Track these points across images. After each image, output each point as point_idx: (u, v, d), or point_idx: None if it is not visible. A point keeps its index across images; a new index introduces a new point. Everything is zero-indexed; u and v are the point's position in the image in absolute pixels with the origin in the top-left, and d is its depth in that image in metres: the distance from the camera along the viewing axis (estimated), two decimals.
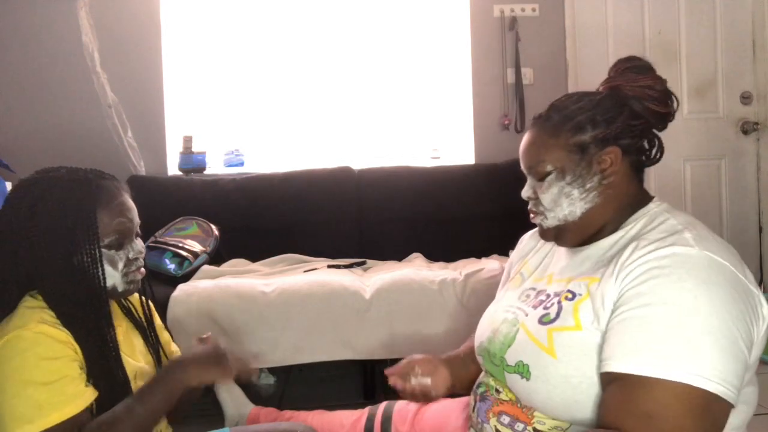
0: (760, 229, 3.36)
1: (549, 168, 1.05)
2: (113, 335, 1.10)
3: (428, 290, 2.19)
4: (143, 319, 1.27)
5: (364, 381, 2.40)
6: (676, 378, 0.82)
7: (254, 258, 2.66)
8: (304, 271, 2.46)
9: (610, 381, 0.88)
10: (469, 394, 1.19)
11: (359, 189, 2.94)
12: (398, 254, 2.76)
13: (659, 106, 1.06)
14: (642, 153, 1.09)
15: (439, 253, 2.73)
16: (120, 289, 1.15)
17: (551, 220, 1.08)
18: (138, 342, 1.24)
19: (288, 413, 1.52)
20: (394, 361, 2.47)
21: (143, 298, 1.28)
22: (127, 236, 1.14)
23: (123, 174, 2.83)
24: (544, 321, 1.00)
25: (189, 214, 2.69)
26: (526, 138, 1.11)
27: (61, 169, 1.13)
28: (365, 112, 3.31)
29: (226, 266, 2.56)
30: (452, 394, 1.26)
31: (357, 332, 2.13)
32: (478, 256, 2.60)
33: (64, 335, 1.03)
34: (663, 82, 1.08)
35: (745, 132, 3.33)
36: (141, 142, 3.04)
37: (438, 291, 2.18)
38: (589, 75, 3.22)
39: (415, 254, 2.75)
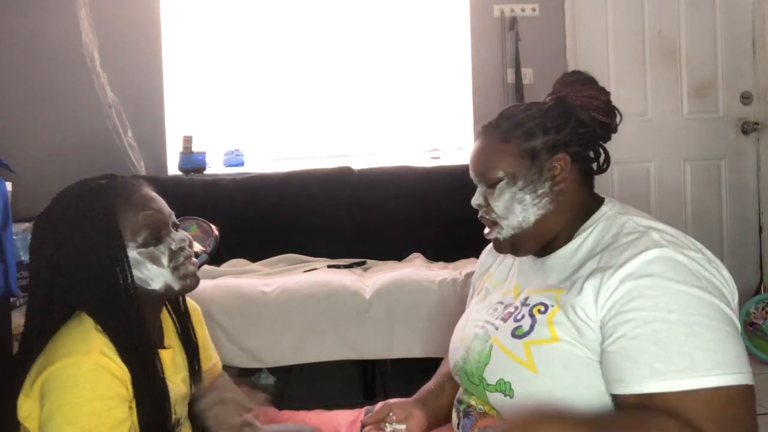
0: (760, 229, 3.35)
1: (500, 174, 1.04)
2: (159, 366, 1.06)
3: (428, 290, 2.19)
4: (193, 336, 1.21)
5: (364, 381, 2.40)
6: (715, 384, 0.83)
7: (254, 258, 2.66)
8: (304, 271, 2.47)
9: (641, 402, 0.86)
10: (447, 423, 1.18)
11: (359, 189, 2.94)
12: (398, 254, 2.76)
13: (603, 116, 1.07)
14: (589, 161, 1.10)
15: (439, 253, 2.73)
16: (176, 287, 1.07)
17: (506, 230, 1.06)
18: (184, 359, 1.19)
19: (286, 413, 1.52)
20: (393, 362, 2.48)
21: (184, 309, 1.22)
22: (161, 228, 1.07)
23: (123, 174, 2.83)
24: (517, 334, 0.99)
25: (189, 214, 2.68)
26: (475, 146, 1.10)
27: (72, 187, 1.08)
28: (365, 112, 3.31)
29: (226, 266, 2.56)
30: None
31: (357, 332, 2.13)
32: (478, 256, 2.59)
33: (122, 371, 0.99)
34: (606, 93, 1.09)
35: (745, 132, 3.33)
36: (141, 142, 3.04)
37: (438, 291, 2.18)
38: None
39: (415, 254, 2.75)
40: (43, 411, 0.96)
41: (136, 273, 1.04)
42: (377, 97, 3.30)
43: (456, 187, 2.92)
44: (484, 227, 1.12)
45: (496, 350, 1.02)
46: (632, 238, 0.95)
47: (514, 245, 1.07)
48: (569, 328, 0.93)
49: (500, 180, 1.04)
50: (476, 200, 1.09)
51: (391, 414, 1.17)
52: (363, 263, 2.67)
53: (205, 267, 2.46)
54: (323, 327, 2.12)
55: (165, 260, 1.06)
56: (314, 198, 2.89)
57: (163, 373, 1.06)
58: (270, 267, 2.59)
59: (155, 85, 3.10)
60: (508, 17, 3.20)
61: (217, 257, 2.60)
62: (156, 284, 1.06)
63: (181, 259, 1.08)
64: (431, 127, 3.33)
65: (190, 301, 1.26)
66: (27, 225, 2.40)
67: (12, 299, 1.81)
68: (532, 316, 0.99)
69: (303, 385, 2.60)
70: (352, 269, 2.54)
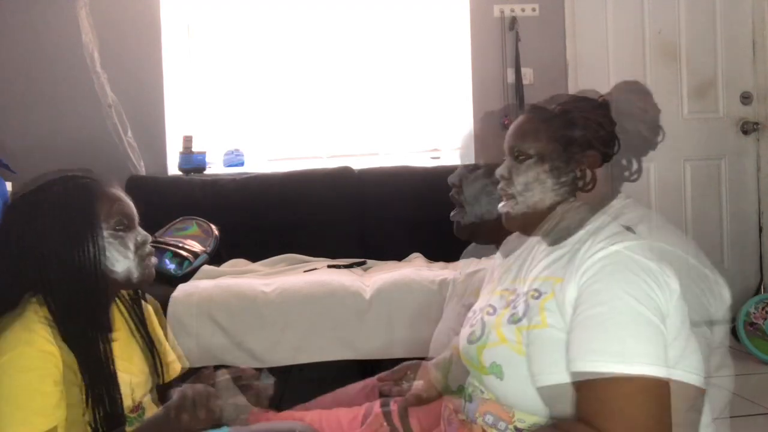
0: (760, 229, 3.36)
1: (531, 151, 1.08)
2: (110, 351, 1.10)
3: (428, 290, 2.19)
4: (141, 325, 1.26)
5: None
6: (607, 370, 0.87)
7: (254, 258, 2.66)
8: (304, 271, 2.46)
9: (577, 380, 0.92)
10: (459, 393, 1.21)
11: (359, 189, 2.94)
12: (398, 254, 2.75)
13: (647, 131, 1.13)
14: (621, 168, 1.13)
15: (439, 253, 2.72)
16: (135, 275, 1.13)
17: (520, 206, 1.10)
18: (136, 351, 1.23)
19: (287, 413, 1.52)
20: (393, 362, 2.48)
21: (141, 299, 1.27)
22: (130, 218, 1.15)
23: (123, 174, 2.83)
24: (513, 320, 1.03)
25: (189, 214, 2.69)
26: (518, 120, 1.14)
27: (49, 173, 1.15)
28: (365, 112, 3.31)
29: (226, 266, 2.56)
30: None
31: (357, 332, 2.13)
32: (479, 256, 2.60)
33: (69, 357, 1.04)
34: (657, 111, 1.14)
35: (745, 132, 3.33)
36: (141, 142, 3.04)
37: (438, 291, 2.18)
38: (589, 75, 3.22)
39: (415, 254, 2.74)
40: None
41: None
42: (377, 97, 3.30)
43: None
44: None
45: (493, 335, 1.06)
46: (617, 230, 1.00)
47: (523, 223, 1.11)
48: (557, 316, 0.97)
49: (530, 157, 1.08)
50: (501, 171, 1.12)
51: (408, 373, 1.24)
52: (363, 263, 2.67)
53: (205, 267, 2.46)
54: (323, 327, 2.12)
55: (132, 247, 1.13)
56: (314, 198, 2.89)
57: (112, 357, 1.10)
58: (270, 267, 2.59)
59: (155, 85, 3.10)
60: (508, 17, 3.21)
61: (217, 257, 2.60)
62: (119, 267, 1.12)
63: (146, 250, 1.16)
64: (431, 127, 3.33)
65: (149, 296, 1.31)
66: None
67: None
68: (526, 302, 1.03)
69: (303, 385, 2.60)
70: (352, 269, 2.54)
